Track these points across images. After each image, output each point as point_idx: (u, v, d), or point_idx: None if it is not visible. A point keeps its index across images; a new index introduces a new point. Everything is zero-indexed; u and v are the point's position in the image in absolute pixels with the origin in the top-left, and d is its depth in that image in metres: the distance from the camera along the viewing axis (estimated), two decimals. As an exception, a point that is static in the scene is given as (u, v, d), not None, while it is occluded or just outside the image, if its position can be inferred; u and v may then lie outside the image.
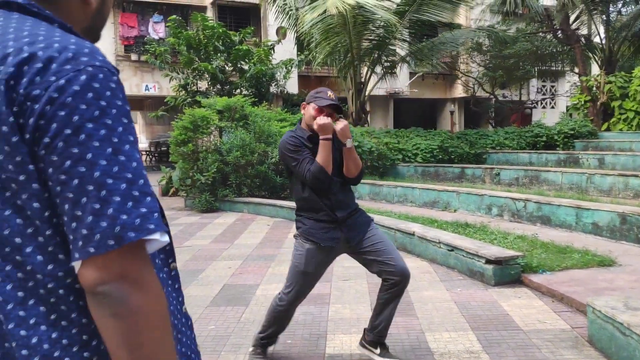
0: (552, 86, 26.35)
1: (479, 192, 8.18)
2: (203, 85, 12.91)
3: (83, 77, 0.77)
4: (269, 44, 13.76)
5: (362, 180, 10.05)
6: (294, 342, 3.66)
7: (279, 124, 10.36)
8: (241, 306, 4.42)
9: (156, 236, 0.79)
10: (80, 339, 0.80)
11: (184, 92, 12.54)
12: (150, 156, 26.61)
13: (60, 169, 0.75)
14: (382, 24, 13.05)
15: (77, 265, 0.77)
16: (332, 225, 3.04)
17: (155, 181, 13.19)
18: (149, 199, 0.79)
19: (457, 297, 4.49)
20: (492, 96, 21.78)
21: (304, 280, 3.09)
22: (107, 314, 0.76)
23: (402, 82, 22.36)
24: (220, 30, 12.05)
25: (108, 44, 18.50)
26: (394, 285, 3.15)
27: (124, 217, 0.76)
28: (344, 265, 5.66)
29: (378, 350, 3.27)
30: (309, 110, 3.06)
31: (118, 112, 0.79)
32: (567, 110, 18.26)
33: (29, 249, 0.78)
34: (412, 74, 22.41)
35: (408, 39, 14.59)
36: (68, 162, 0.75)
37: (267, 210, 9.03)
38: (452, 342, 3.58)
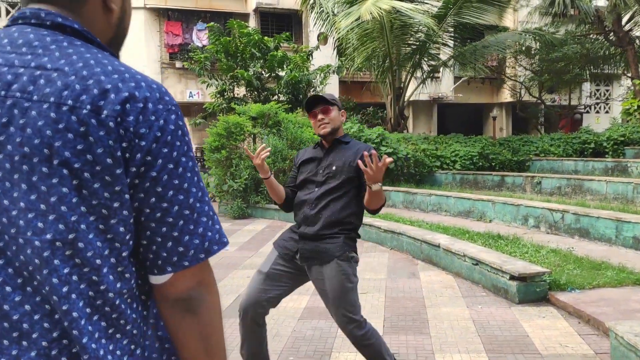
0: (607, 90, 25.25)
1: (515, 202, 7.83)
2: (240, 91, 12.98)
3: (173, 117, 0.90)
4: (307, 50, 13.70)
5: (397, 188, 9.89)
6: (295, 360, 3.54)
7: (312, 130, 10.26)
8: (251, 318, 4.33)
9: (228, 247, 0.97)
10: (130, 349, 0.90)
11: (221, 98, 12.64)
12: (198, 162, 27.11)
13: (164, 198, 0.88)
14: (421, 28, 12.81)
15: (162, 278, 0.91)
16: (295, 236, 2.82)
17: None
18: (216, 215, 0.96)
19: (477, 315, 4.26)
20: (539, 101, 21.06)
21: (255, 277, 2.83)
22: (188, 314, 0.93)
23: (446, 86, 21.94)
24: (256, 36, 12.08)
25: (154, 52, 18.94)
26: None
27: (209, 234, 0.93)
28: (365, 277, 5.52)
29: None
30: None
31: (190, 142, 0.94)
32: (620, 115, 17.43)
33: (105, 270, 0.86)
34: (456, 79, 21.93)
35: (449, 43, 14.26)
36: (170, 192, 0.88)
37: (297, 218, 8.94)
38: (462, 365, 3.38)
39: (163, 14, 19.02)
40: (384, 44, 12.26)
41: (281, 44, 12.92)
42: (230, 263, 6.36)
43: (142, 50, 18.63)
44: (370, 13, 9.83)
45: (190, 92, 19.19)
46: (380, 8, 10.04)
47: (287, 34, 13.14)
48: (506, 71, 21.60)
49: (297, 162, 3.01)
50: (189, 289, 0.92)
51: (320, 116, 2.82)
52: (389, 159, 2.52)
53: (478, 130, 22.28)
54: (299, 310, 4.51)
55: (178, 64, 18.82)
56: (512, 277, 4.53)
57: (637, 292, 4.38)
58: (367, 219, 7.71)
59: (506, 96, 23.33)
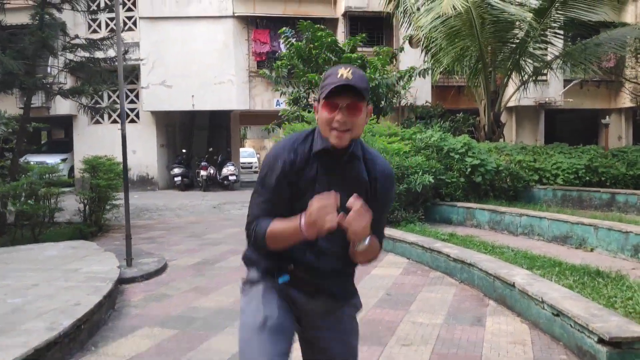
0: None
1: (624, 228, 6.35)
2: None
3: None
4: (389, 52, 12.70)
5: (481, 206, 8.65)
6: None
7: (387, 138, 9.27)
8: None
9: None
10: None
11: (295, 106, 12.00)
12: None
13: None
14: (518, 24, 11.38)
15: None
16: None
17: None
18: None
19: (547, 393, 3.13)
20: (666, 106, 18.43)
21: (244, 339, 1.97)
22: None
23: (554, 90, 19.88)
24: (329, 39, 11.30)
25: (242, 60, 18.84)
26: None
27: None
28: (417, 320, 4.51)
29: None
30: (317, 109, 1.85)
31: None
32: None
33: None
34: (566, 82, 19.79)
35: (553, 41, 12.62)
36: None
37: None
38: None
39: (251, 22, 18.89)
40: (475, 42, 10.98)
41: (357, 47, 12.04)
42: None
43: (231, 59, 18.60)
44: (453, 7, 8.68)
45: (277, 101, 18.82)
46: (466, 0, 8.86)
47: (363, 35, 12.24)
48: (625, 73, 19.15)
49: (281, 173, 1.84)
50: None
51: (340, 116, 1.77)
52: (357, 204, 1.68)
53: (593, 140, 19.94)
54: None
55: (266, 72, 18.56)
56: (602, 341, 3.32)
57: None
58: (436, 243, 6.63)
59: (625, 101, 20.74)
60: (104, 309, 4.65)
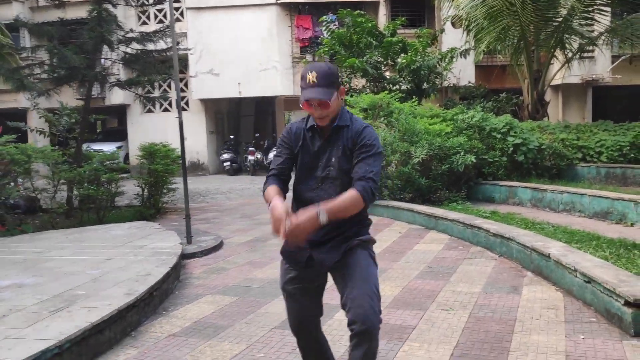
0: None
1: (664, 202, 6.47)
2: (360, 83, 12.55)
3: None
4: (430, 33, 12.81)
5: (523, 184, 8.85)
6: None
7: (429, 120, 9.51)
8: (305, 333, 3.93)
9: None
10: None
11: (337, 91, 12.27)
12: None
13: None
14: (561, 1, 11.32)
15: None
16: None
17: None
18: None
19: (574, 348, 3.43)
20: None
21: (283, 295, 2.70)
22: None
23: (602, 67, 19.45)
24: (370, 24, 11.53)
25: (285, 47, 19.23)
26: (353, 337, 2.39)
27: None
28: (456, 289, 4.84)
29: None
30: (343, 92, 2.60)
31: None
32: None
33: None
34: (614, 58, 19.31)
35: (597, 18, 12.47)
36: None
37: (405, 216, 8.32)
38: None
39: (294, 8, 19.23)
40: (517, 21, 11.02)
41: (397, 30, 12.21)
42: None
43: (274, 45, 19.04)
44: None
45: (320, 85, 19.15)
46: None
47: (403, 19, 12.40)
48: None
49: (288, 144, 2.58)
50: None
51: (318, 111, 2.43)
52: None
53: (643, 117, 19.45)
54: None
55: (308, 57, 18.90)
56: (627, 303, 3.59)
57: None
58: (477, 220, 6.90)
59: (678, 75, 20.08)
60: (171, 279, 5.17)
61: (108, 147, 16.07)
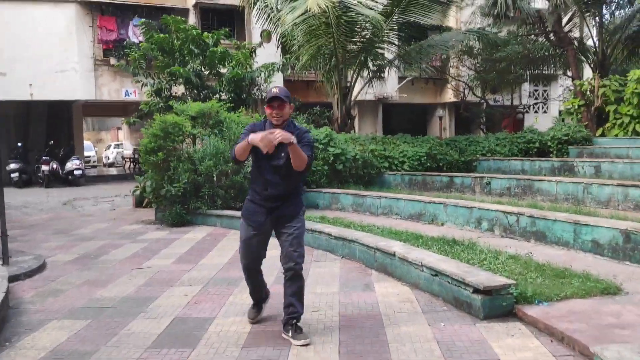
0: (545, 90, 25.88)
1: (468, 204, 7.56)
2: (179, 90, 12.26)
3: None
4: (250, 47, 13.10)
5: (345, 191, 9.49)
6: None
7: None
8: (187, 348, 3.77)
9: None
10: None
11: (157, 98, 11.85)
12: (134, 164, 25.94)
13: None
14: (367, 25, 12.47)
15: None
16: (260, 208, 3.88)
17: (129, 191, 12.53)
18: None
19: (441, 335, 3.87)
20: (482, 101, 21.26)
21: (242, 246, 4.06)
22: None
23: (391, 86, 21.82)
24: (194, 32, 11.40)
25: (86, 48, 17.84)
26: (286, 270, 3.84)
27: None
28: (316, 291, 5.07)
29: (290, 333, 3.79)
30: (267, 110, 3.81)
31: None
32: (560, 115, 17.73)
33: None
34: (401, 79, 21.85)
35: (395, 42, 14.01)
36: None
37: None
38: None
39: (96, 8, 17.96)
40: (330, 41, 11.84)
41: (220, 41, 12.27)
42: (165, 279, 5.74)
43: (73, 45, 17.53)
44: (318, 5, 9.36)
45: (127, 91, 18.22)
46: (328, 0, 9.59)
47: (227, 29, 12.52)
48: (450, 71, 21.69)
49: (249, 132, 3.72)
50: None
51: (276, 111, 3.70)
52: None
53: (422, 130, 22.30)
54: (243, 336, 3.99)
55: (113, 61, 17.81)
56: (476, 290, 4.17)
57: (607, 304, 4.10)
58: (317, 225, 7.26)
59: (450, 96, 23.49)
60: (5, 306, 4.51)
61: None
